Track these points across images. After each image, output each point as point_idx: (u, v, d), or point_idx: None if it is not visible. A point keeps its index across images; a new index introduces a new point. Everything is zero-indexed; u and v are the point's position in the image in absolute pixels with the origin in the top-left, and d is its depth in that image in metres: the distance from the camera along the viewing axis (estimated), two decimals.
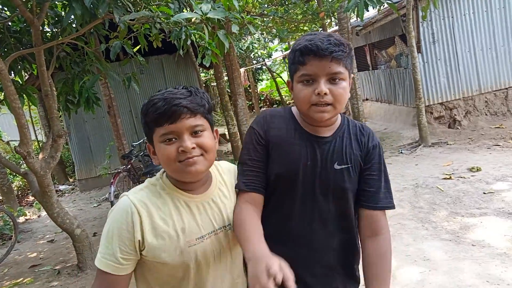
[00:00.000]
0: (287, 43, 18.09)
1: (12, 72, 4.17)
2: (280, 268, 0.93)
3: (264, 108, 19.90)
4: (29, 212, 7.33)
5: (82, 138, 8.58)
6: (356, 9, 3.80)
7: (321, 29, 10.72)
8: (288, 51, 17.71)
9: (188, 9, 3.52)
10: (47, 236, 5.86)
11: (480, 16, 7.95)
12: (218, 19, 2.45)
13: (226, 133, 11.16)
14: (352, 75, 1.23)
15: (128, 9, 3.07)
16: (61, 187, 9.31)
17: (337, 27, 8.96)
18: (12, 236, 5.26)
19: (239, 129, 6.99)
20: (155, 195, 1.12)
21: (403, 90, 8.65)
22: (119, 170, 5.74)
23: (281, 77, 21.68)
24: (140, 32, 3.31)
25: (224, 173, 1.27)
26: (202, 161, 1.09)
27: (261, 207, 1.24)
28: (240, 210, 1.19)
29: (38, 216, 7.12)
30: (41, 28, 3.52)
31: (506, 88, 8.22)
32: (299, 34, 11.19)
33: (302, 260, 1.26)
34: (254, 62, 18.46)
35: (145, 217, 1.07)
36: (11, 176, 8.79)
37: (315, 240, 1.27)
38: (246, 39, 16.73)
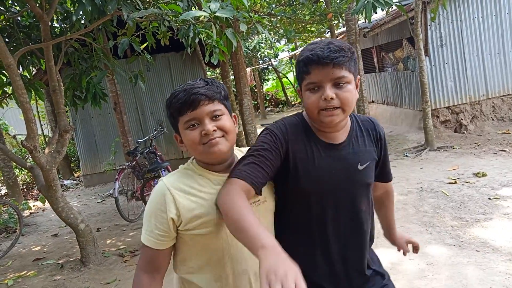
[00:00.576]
0: (294, 44, 18.06)
1: (21, 67, 4.20)
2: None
3: (270, 108, 19.90)
4: (33, 206, 7.39)
5: (88, 134, 8.62)
6: (364, 10, 3.79)
7: (328, 30, 10.70)
8: (295, 52, 17.70)
9: (197, 8, 3.52)
10: (51, 230, 5.90)
11: (489, 20, 7.89)
12: (226, 17, 2.45)
13: None
14: (358, 76, 1.29)
15: (137, 7, 3.08)
16: (66, 182, 9.36)
17: (344, 29, 8.94)
18: (16, 229, 5.30)
19: (244, 129, 6.99)
20: (187, 177, 1.23)
21: (410, 93, 8.61)
22: (124, 167, 5.76)
23: (287, 77, 21.67)
24: (148, 29, 3.32)
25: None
26: (224, 142, 1.20)
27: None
28: (237, 198, 1.11)
29: (43, 210, 7.17)
30: (50, 23, 3.54)
31: None
32: (306, 34, 11.18)
33: (339, 267, 1.35)
34: (261, 62, 18.46)
35: (178, 196, 1.18)
36: (17, 170, 8.85)
37: (351, 243, 1.36)
38: (253, 38, 16.74)
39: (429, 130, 6.99)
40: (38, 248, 5.14)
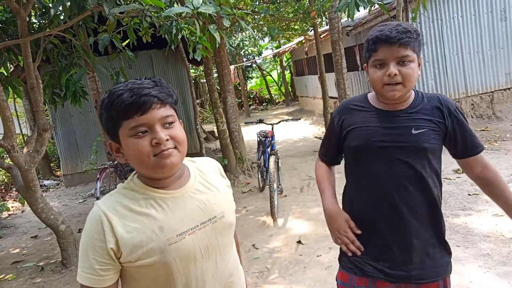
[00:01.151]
0: (277, 42, 18.09)
1: None
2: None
3: (254, 106, 19.89)
4: (12, 207, 7.20)
5: (68, 133, 8.45)
6: (346, 9, 3.81)
7: (312, 28, 10.74)
8: (278, 50, 17.71)
9: (179, 3, 3.48)
10: (31, 231, 5.76)
11: (468, 20, 8.06)
12: (209, 14, 2.42)
13: (215, 130, 11.13)
14: (421, 56, 1.45)
15: (118, 2, 3.02)
16: (46, 182, 9.16)
17: (328, 27, 8.99)
18: None
19: (228, 127, 6.96)
20: (126, 198, 1.06)
21: None
22: (106, 166, 5.67)
23: (271, 75, 21.71)
24: (130, 26, 3.26)
25: (204, 166, 1.22)
26: (176, 154, 1.04)
27: (331, 171, 1.69)
28: (320, 167, 1.69)
29: (22, 211, 7.00)
30: (28, 19, 3.45)
31: (492, 92, 8.36)
32: (290, 32, 11.20)
33: (385, 217, 1.47)
34: (245, 59, 18.43)
35: (116, 222, 1.01)
36: None
37: (397, 198, 1.45)
38: (237, 36, 16.69)
39: None
40: (17, 250, 5.01)
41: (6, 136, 3.41)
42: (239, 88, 17.96)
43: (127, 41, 3.96)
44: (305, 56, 14.18)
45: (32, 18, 4.33)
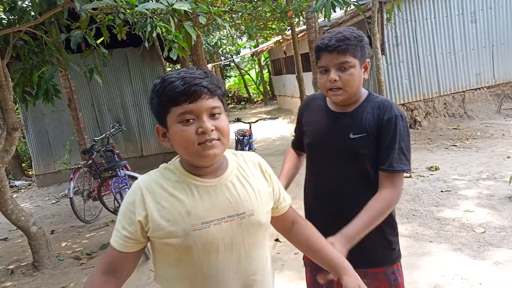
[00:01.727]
0: (255, 41, 18.09)
1: None
2: None
3: (232, 105, 19.84)
4: None
5: (40, 132, 8.21)
6: (323, 9, 3.84)
7: (289, 27, 10.79)
8: (256, 49, 17.71)
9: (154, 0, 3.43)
10: (0, 234, 5.57)
11: (440, 21, 8.27)
12: (185, 10, 2.39)
13: None
14: (368, 60, 1.51)
15: None
16: (17, 183, 8.88)
17: (305, 26, 9.05)
18: None
19: None
20: (164, 178, 1.11)
21: None
22: (80, 166, 5.53)
23: (249, 74, 21.70)
24: (103, 23, 3.19)
25: (245, 161, 1.22)
26: (220, 146, 1.07)
27: (298, 157, 1.82)
28: (288, 152, 1.82)
29: None
30: None
31: (463, 91, 8.61)
32: (268, 31, 11.23)
33: (330, 214, 1.57)
34: (222, 58, 18.36)
35: (149, 199, 1.07)
36: None
37: (340, 197, 1.55)
38: (215, 34, 16.61)
39: None
40: None
41: None
42: None
43: (101, 39, 3.87)
44: (284, 55, 14.24)
45: (0, 14, 4.18)
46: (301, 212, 1.64)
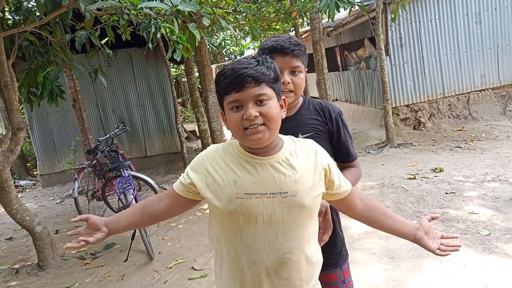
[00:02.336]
0: (259, 41, 18.08)
1: None
2: None
3: None
4: None
5: (45, 132, 8.25)
6: (327, 9, 3.83)
7: (293, 28, 10.78)
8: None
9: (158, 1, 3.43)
10: (6, 233, 5.60)
11: (445, 22, 8.23)
12: (189, 12, 2.39)
13: (197, 129, 11.04)
14: (306, 69, 1.58)
15: None
16: (22, 183, 8.92)
17: (309, 27, 9.04)
18: None
19: (209, 126, 6.92)
20: (225, 151, 1.25)
21: (371, 91, 8.85)
22: (84, 166, 5.55)
23: None
24: (108, 23, 3.20)
25: (302, 148, 1.28)
26: (265, 130, 1.16)
27: None
28: None
29: None
30: (1, 14, 3.34)
31: (468, 93, 8.57)
32: (272, 32, 11.22)
33: None
34: (226, 59, 18.38)
35: (209, 165, 1.23)
36: None
37: None
38: (218, 35, 16.63)
39: (389, 128, 7.20)
40: None
41: None
42: None
43: (106, 39, 3.89)
44: None
45: (6, 14, 4.20)
46: None
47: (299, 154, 1.25)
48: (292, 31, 11.07)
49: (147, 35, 2.80)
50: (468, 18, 8.30)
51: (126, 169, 4.41)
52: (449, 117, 8.52)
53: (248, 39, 18.51)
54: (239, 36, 15.92)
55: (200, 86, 8.23)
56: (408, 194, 4.69)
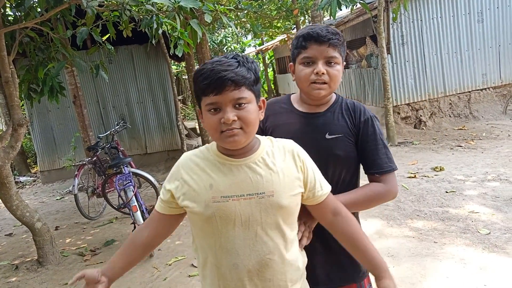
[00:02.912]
0: (260, 39, 18.07)
1: None
2: None
3: None
4: None
5: (45, 128, 8.24)
6: (329, 7, 3.83)
7: (294, 26, 10.76)
8: (261, 47, 17.69)
9: None
10: (6, 229, 5.60)
11: (447, 21, 8.21)
12: (191, 8, 2.39)
13: (197, 127, 11.03)
14: (344, 62, 1.45)
15: None
16: (22, 179, 8.93)
17: (308, 24, 9.03)
18: None
19: None
20: (201, 155, 1.25)
21: (373, 90, 8.83)
22: (84, 162, 5.55)
23: None
24: (109, 19, 3.19)
25: (278, 146, 1.26)
26: (242, 134, 1.14)
27: None
28: None
29: None
30: (2, 10, 3.33)
31: (469, 92, 8.56)
32: (273, 30, 11.20)
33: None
34: (229, 53, 18.34)
35: (184, 172, 1.22)
36: None
37: None
38: (220, 32, 16.60)
39: (390, 126, 7.20)
40: None
41: None
42: None
43: (107, 36, 3.88)
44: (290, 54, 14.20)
45: (7, 10, 4.19)
46: None
47: (276, 154, 1.23)
48: (294, 29, 11.04)
49: (149, 31, 2.80)
50: (470, 16, 8.28)
51: (126, 166, 4.41)
52: (450, 116, 8.51)
53: (249, 37, 18.48)
54: (240, 34, 15.90)
55: None
56: (408, 193, 4.69)
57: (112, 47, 4.06)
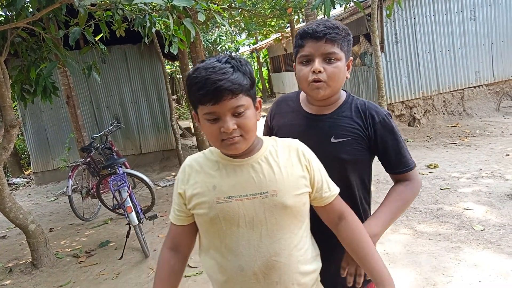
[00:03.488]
0: (254, 38, 18.06)
1: None
2: None
3: None
4: None
5: (39, 129, 8.18)
6: (323, 6, 3.82)
7: (288, 24, 10.76)
8: (255, 46, 17.67)
9: None
10: None
11: (440, 19, 8.25)
12: (184, 7, 2.37)
13: (191, 126, 11.00)
14: (351, 58, 1.37)
15: None
16: (15, 180, 8.86)
17: (304, 24, 9.02)
18: None
19: None
20: (204, 157, 1.25)
21: (367, 88, 8.85)
22: (78, 163, 5.51)
23: None
24: (102, 19, 3.16)
25: (283, 147, 1.24)
26: (242, 141, 1.13)
27: None
28: None
29: None
30: None
31: (463, 89, 8.61)
32: (267, 29, 11.20)
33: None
34: (221, 55, 18.31)
35: (190, 174, 1.22)
36: None
37: None
38: (214, 31, 16.56)
39: None
40: None
41: None
42: None
43: (100, 35, 3.85)
44: (285, 52, 14.22)
45: None
46: None
47: (280, 152, 1.21)
48: (288, 27, 11.04)
49: (143, 30, 2.78)
50: (463, 14, 8.33)
51: (121, 167, 4.39)
52: (443, 114, 8.55)
53: (244, 35, 18.46)
54: (234, 33, 15.87)
55: None
56: None
57: (105, 47, 4.03)
